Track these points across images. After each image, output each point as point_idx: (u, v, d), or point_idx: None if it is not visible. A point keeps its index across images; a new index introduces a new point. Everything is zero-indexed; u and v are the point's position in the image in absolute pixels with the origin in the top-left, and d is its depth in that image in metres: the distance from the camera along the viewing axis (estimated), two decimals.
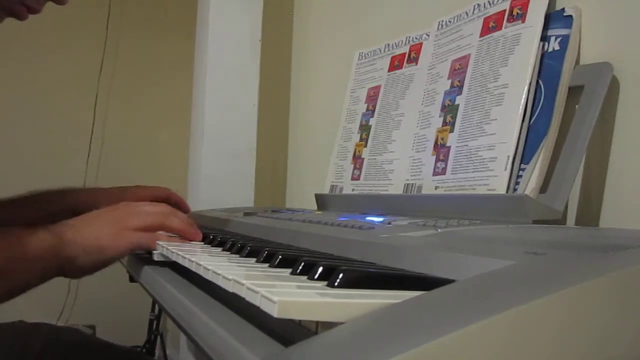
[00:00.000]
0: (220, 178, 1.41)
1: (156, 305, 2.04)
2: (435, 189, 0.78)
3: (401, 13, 1.09)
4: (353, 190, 1.00)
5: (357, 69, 1.10)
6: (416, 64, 0.94)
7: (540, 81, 0.69)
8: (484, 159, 0.71)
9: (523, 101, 0.69)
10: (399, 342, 0.24)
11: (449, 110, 0.80)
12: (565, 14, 0.69)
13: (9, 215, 0.91)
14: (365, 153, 0.99)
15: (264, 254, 0.48)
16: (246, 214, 0.96)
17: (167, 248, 0.61)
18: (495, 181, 0.69)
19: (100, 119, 2.31)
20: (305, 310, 0.29)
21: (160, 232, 0.71)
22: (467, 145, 0.75)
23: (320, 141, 1.36)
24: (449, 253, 0.41)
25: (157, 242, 0.67)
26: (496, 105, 0.72)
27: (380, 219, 0.67)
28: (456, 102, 0.79)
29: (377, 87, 1.02)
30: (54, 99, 2.23)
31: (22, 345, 0.88)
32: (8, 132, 2.16)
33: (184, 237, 0.71)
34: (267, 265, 0.46)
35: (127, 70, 2.35)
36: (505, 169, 0.68)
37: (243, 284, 0.33)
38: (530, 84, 0.69)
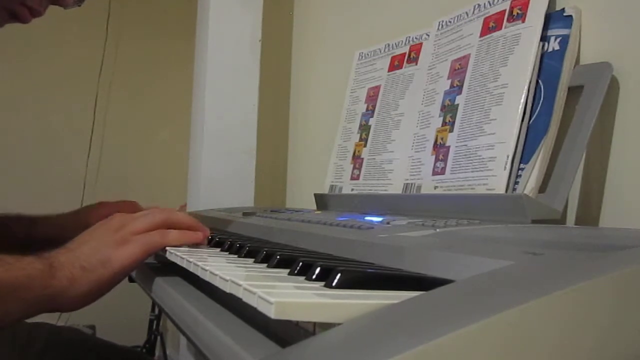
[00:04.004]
0: (220, 178, 1.40)
1: (156, 306, 2.04)
2: (435, 188, 0.78)
3: (401, 13, 1.09)
4: (352, 190, 1.00)
5: (357, 69, 1.09)
6: (416, 64, 0.94)
7: (540, 81, 0.69)
8: (483, 158, 0.71)
9: (523, 101, 0.69)
10: (397, 343, 0.24)
11: (449, 110, 0.80)
12: (565, 14, 0.69)
13: None
14: (365, 153, 0.99)
15: (262, 255, 0.48)
16: (245, 214, 0.96)
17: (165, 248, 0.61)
18: (494, 181, 0.69)
19: (100, 119, 2.31)
20: (302, 311, 0.29)
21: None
22: (466, 145, 0.75)
23: (320, 141, 1.35)
24: (448, 253, 0.41)
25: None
26: (496, 105, 0.72)
27: (379, 219, 0.66)
28: (456, 102, 0.79)
29: (377, 87, 1.02)
30: (54, 99, 2.23)
31: (22, 344, 0.88)
32: (8, 132, 2.16)
33: (193, 230, 0.63)
34: (265, 265, 0.46)
35: (127, 70, 2.35)
36: (505, 168, 0.68)
37: (240, 285, 0.33)
38: (530, 83, 0.69)
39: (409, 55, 0.96)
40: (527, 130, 0.68)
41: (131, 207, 0.92)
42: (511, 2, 0.75)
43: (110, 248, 0.58)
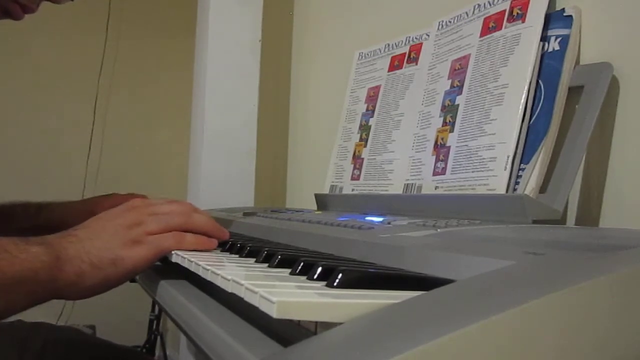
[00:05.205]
0: (220, 178, 1.41)
1: (156, 306, 2.04)
2: (435, 189, 0.78)
3: (401, 13, 1.09)
4: (353, 190, 1.00)
5: (357, 69, 1.09)
6: (416, 64, 0.94)
7: (540, 81, 0.69)
8: (484, 158, 0.71)
9: (523, 101, 0.69)
10: (398, 342, 0.24)
11: (449, 110, 0.80)
12: (565, 14, 0.69)
13: None
14: (365, 153, 0.99)
15: (264, 254, 0.48)
16: (246, 214, 0.96)
17: None
18: (494, 181, 0.69)
19: (100, 119, 2.32)
20: (304, 310, 0.29)
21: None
22: (467, 145, 0.75)
23: (320, 141, 1.36)
24: (449, 253, 0.41)
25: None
26: (496, 105, 0.72)
27: (380, 219, 0.67)
28: (456, 102, 0.79)
29: (377, 87, 1.02)
30: (54, 99, 2.24)
31: (21, 345, 0.88)
32: (8, 132, 2.16)
33: (211, 236, 0.61)
34: (266, 265, 0.46)
35: (127, 70, 2.35)
36: (505, 168, 0.68)
37: (242, 284, 0.33)
38: (530, 84, 0.69)
39: (409, 55, 0.97)
40: (528, 131, 0.68)
41: (139, 199, 0.91)
42: (511, 2, 0.75)
43: (123, 247, 0.56)
